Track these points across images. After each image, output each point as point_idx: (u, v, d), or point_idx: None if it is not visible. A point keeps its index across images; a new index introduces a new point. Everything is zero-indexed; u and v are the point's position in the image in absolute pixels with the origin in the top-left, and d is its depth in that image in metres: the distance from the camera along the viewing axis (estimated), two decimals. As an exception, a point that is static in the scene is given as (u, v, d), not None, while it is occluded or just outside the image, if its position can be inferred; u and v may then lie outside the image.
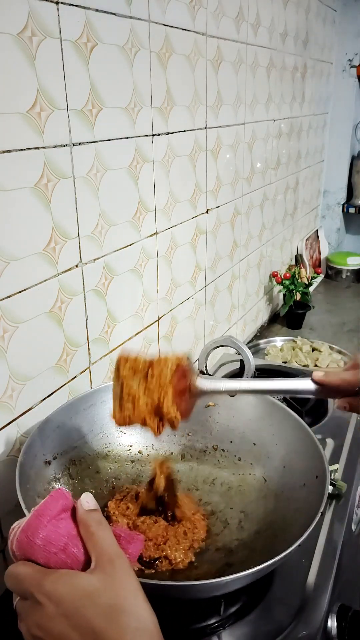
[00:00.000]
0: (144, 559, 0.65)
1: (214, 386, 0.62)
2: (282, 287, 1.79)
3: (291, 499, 0.70)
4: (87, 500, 0.45)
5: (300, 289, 1.80)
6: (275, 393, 0.60)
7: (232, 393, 0.63)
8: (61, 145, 0.71)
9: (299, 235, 2.16)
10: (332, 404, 1.10)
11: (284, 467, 0.75)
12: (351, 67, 2.24)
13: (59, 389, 0.79)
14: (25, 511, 0.55)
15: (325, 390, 0.60)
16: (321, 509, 0.58)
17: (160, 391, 0.59)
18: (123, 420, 0.61)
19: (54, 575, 0.40)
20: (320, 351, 1.60)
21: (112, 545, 0.43)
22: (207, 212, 1.21)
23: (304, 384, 0.61)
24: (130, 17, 0.81)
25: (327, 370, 0.60)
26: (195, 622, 0.64)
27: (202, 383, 0.62)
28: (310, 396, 0.62)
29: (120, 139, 0.84)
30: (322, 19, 1.95)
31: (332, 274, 2.38)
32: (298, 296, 1.80)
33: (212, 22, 1.08)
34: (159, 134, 0.95)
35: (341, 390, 0.59)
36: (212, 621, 0.64)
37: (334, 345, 1.63)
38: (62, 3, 0.67)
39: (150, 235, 0.98)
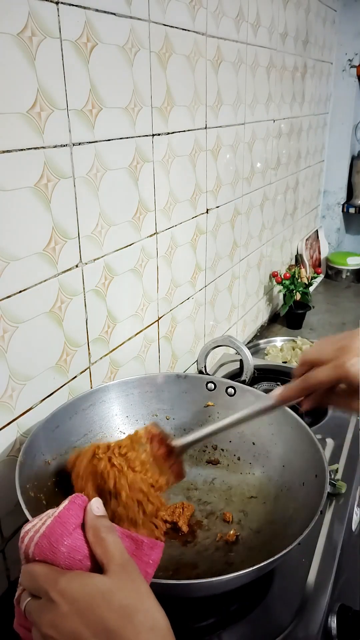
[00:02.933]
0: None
1: (190, 438, 0.64)
2: (282, 287, 1.79)
3: (291, 498, 0.70)
4: (97, 506, 0.45)
5: (300, 289, 1.80)
6: (243, 422, 0.63)
7: (205, 438, 0.65)
8: (61, 145, 0.71)
9: (299, 235, 2.16)
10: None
11: (283, 467, 0.75)
12: (351, 67, 2.24)
13: (59, 389, 0.80)
14: (25, 511, 0.55)
15: (294, 401, 0.61)
16: (320, 508, 0.59)
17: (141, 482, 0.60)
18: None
19: (69, 574, 0.41)
20: (320, 351, 1.59)
21: (122, 551, 0.43)
22: (207, 212, 1.21)
23: (268, 402, 0.62)
24: (130, 17, 0.81)
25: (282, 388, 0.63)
26: (196, 621, 0.64)
27: (178, 441, 0.64)
28: (273, 410, 0.64)
29: (120, 139, 0.84)
30: (322, 19, 1.95)
31: (332, 274, 2.38)
32: (298, 296, 1.80)
33: (212, 22, 1.08)
34: (159, 134, 0.95)
35: (307, 392, 0.60)
36: (212, 620, 0.64)
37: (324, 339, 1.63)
38: (62, 3, 0.67)
39: (150, 235, 0.98)
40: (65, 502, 0.45)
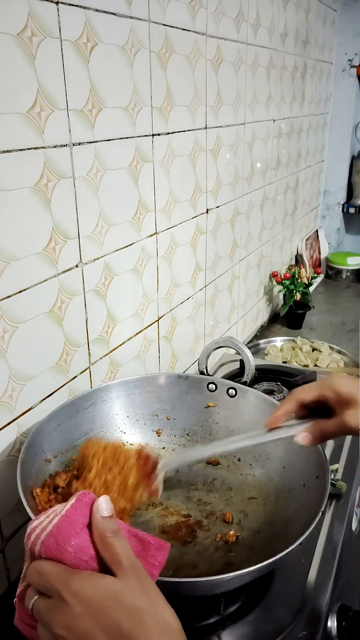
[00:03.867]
0: None
1: (170, 464, 0.65)
2: (282, 287, 1.79)
3: (291, 499, 0.70)
4: (105, 506, 0.44)
5: (300, 289, 1.80)
6: (231, 451, 0.64)
7: (188, 463, 0.67)
8: (61, 145, 0.71)
9: (299, 235, 2.16)
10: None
11: (283, 467, 0.75)
12: (351, 67, 2.24)
13: (59, 389, 0.80)
14: (27, 509, 0.55)
15: (286, 426, 0.63)
16: (322, 509, 0.58)
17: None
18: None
19: (81, 574, 0.41)
20: (320, 351, 1.60)
21: (130, 555, 0.43)
22: (207, 212, 1.21)
23: (258, 434, 0.64)
24: (130, 17, 0.81)
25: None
26: (196, 621, 0.64)
27: (162, 462, 0.64)
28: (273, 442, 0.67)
29: (120, 139, 0.84)
30: (322, 19, 1.95)
31: (332, 274, 2.38)
32: (298, 296, 1.80)
33: (212, 22, 1.08)
34: (159, 134, 0.95)
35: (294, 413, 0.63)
36: (212, 620, 0.64)
37: (334, 345, 1.63)
38: (62, 3, 0.67)
39: (150, 235, 0.98)
40: (73, 500, 0.44)
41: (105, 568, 0.42)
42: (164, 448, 0.85)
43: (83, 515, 0.43)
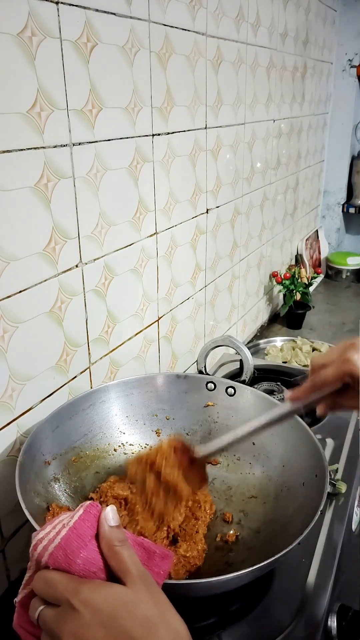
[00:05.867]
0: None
1: (211, 447, 0.64)
2: (282, 287, 1.79)
3: (291, 498, 0.70)
4: (112, 517, 0.44)
5: (300, 289, 1.80)
6: (264, 429, 0.63)
7: (227, 447, 0.64)
8: (61, 145, 0.71)
9: (299, 235, 2.16)
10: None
11: (283, 466, 0.75)
12: (351, 67, 2.24)
13: (59, 389, 0.80)
14: (25, 511, 0.55)
15: (305, 402, 0.60)
16: (321, 508, 0.58)
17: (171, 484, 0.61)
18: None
19: (90, 583, 0.40)
20: (320, 351, 1.60)
21: (137, 564, 0.43)
22: (207, 212, 1.21)
23: (285, 408, 0.61)
24: (130, 17, 0.81)
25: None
26: (195, 621, 0.64)
27: (200, 449, 0.64)
28: (296, 415, 0.64)
29: (120, 139, 0.84)
30: (322, 19, 1.95)
31: (332, 274, 2.38)
32: (298, 296, 1.80)
33: (212, 22, 1.08)
34: (159, 134, 0.95)
35: (317, 393, 0.60)
36: (212, 620, 0.64)
37: (334, 345, 1.63)
38: (62, 3, 0.67)
39: (150, 235, 0.98)
40: (80, 512, 0.44)
41: (113, 579, 0.42)
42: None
43: (91, 527, 0.43)
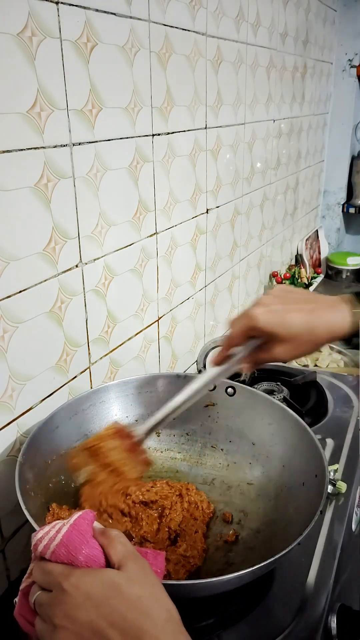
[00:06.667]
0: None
1: (149, 424, 0.65)
2: (282, 287, 1.79)
3: (290, 498, 0.70)
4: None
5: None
6: (195, 397, 0.65)
7: (164, 420, 0.66)
8: (61, 145, 0.71)
9: (299, 235, 2.16)
10: (333, 404, 1.10)
11: (283, 467, 0.75)
12: (351, 67, 2.24)
13: (59, 389, 0.80)
14: (25, 511, 0.55)
15: (225, 363, 0.64)
16: (320, 508, 0.58)
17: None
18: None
19: (83, 569, 0.41)
20: (320, 351, 1.60)
21: (132, 549, 0.44)
22: (207, 212, 1.21)
23: (210, 372, 0.65)
24: (130, 17, 0.81)
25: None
26: (195, 621, 0.64)
27: (137, 429, 0.66)
28: (223, 377, 0.68)
29: (120, 139, 0.84)
30: (322, 19, 1.95)
31: (332, 274, 2.38)
32: (298, 296, 1.80)
33: (212, 22, 1.08)
34: (159, 134, 0.95)
35: (238, 342, 0.64)
36: (212, 620, 0.64)
37: (333, 345, 1.63)
38: (62, 3, 0.67)
39: (150, 235, 0.98)
40: (76, 516, 0.46)
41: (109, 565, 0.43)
42: (164, 450, 0.85)
43: (90, 524, 0.45)
